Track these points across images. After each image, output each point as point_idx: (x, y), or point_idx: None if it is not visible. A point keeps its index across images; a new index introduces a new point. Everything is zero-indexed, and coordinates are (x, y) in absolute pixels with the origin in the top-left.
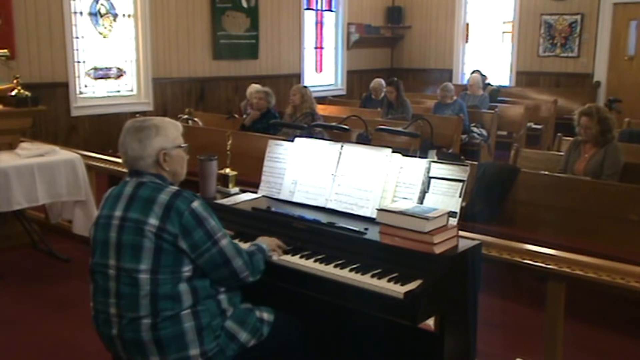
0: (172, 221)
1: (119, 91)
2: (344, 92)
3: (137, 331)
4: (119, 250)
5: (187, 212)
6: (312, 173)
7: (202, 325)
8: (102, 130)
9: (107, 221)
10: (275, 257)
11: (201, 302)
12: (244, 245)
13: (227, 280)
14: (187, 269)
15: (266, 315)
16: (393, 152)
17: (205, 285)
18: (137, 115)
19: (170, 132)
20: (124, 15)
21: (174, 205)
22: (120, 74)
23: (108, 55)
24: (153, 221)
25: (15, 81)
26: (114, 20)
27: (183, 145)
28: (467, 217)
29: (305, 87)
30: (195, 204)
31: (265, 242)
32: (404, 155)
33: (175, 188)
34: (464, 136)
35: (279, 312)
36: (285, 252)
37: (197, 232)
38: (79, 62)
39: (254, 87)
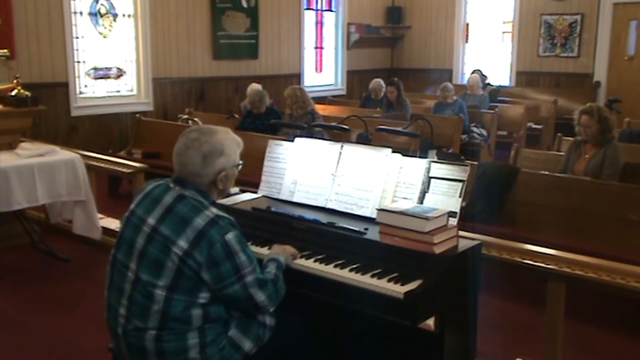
0: (201, 249)
1: (119, 91)
2: (344, 92)
3: (141, 339)
4: (141, 258)
5: (219, 243)
6: (312, 173)
7: (207, 342)
8: (102, 130)
9: (138, 224)
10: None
11: (210, 322)
12: (262, 250)
13: (247, 310)
14: (204, 296)
15: (268, 319)
16: (393, 152)
17: (219, 310)
18: (138, 115)
19: (233, 150)
20: (124, 15)
21: (207, 234)
22: (120, 74)
23: (108, 55)
24: (182, 243)
25: (15, 81)
26: (114, 20)
27: (240, 163)
28: (467, 217)
29: (297, 87)
30: (230, 236)
31: (281, 253)
32: (404, 155)
33: (214, 213)
34: (464, 136)
35: (280, 313)
36: None
37: (224, 265)
38: (79, 62)
39: (254, 87)
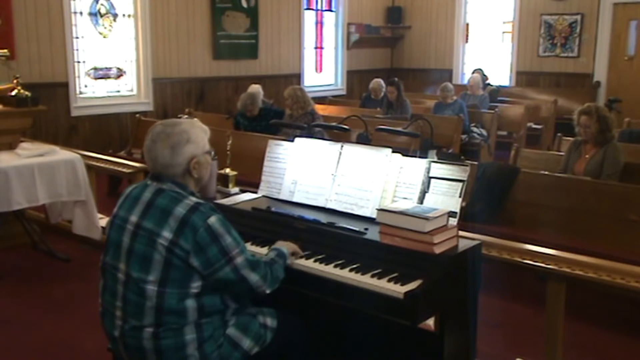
0: (186, 236)
1: (119, 91)
2: (344, 92)
3: (138, 338)
4: (129, 256)
5: (202, 228)
6: (312, 173)
7: (204, 337)
8: (102, 130)
9: (122, 224)
10: (288, 262)
11: (206, 316)
12: (262, 250)
13: (242, 294)
14: (195, 285)
15: (269, 321)
16: (393, 152)
17: (214, 302)
18: (138, 115)
19: (200, 137)
20: (124, 15)
21: (190, 221)
22: (120, 74)
23: (108, 55)
24: (167, 234)
25: (15, 81)
26: (114, 20)
27: (210, 150)
28: (467, 217)
29: (297, 88)
30: (212, 220)
31: (284, 246)
32: (404, 155)
33: (193, 200)
34: (464, 136)
35: (281, 314)
36: None
37: (211, 249)
38: (79, 62)
39: (251, 88)
